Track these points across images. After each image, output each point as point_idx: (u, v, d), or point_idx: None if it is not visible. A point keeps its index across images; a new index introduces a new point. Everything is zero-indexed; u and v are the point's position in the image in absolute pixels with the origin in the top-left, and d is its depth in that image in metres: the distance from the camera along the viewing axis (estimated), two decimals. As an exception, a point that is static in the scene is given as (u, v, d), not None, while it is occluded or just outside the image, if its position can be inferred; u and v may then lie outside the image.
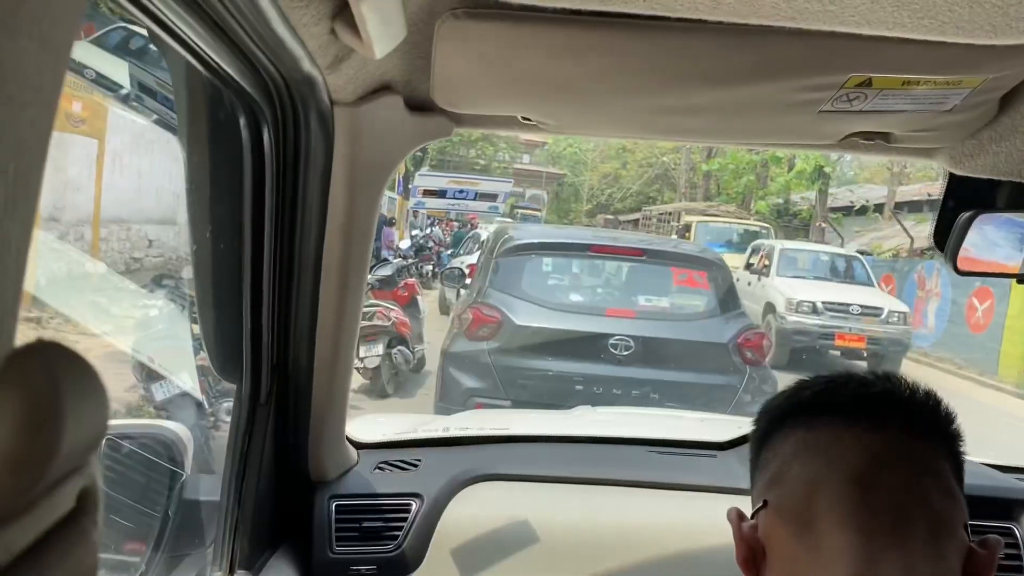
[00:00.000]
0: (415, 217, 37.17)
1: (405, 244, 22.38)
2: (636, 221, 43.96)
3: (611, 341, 7.11)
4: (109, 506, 1.81)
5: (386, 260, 12.53)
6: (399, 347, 9.83)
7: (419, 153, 40.08)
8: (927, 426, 1.03)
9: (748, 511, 1.11)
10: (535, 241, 7.76)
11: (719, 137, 1.71)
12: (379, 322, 9.72)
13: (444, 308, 16.29)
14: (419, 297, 11.54)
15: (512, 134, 1.87)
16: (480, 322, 7.19)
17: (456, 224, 50.39)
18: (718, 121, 1.59)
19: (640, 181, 52.13)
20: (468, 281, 9.09)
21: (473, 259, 13.60)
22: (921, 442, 1.02)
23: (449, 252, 22.81)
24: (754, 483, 1.12)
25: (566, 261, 8.01)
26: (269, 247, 1.58)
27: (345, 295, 1.72)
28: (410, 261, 15.10)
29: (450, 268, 11.20)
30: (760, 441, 1.12)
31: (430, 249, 24.63)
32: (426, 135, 1.63)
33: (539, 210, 50.86)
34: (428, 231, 31.90)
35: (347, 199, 1.63)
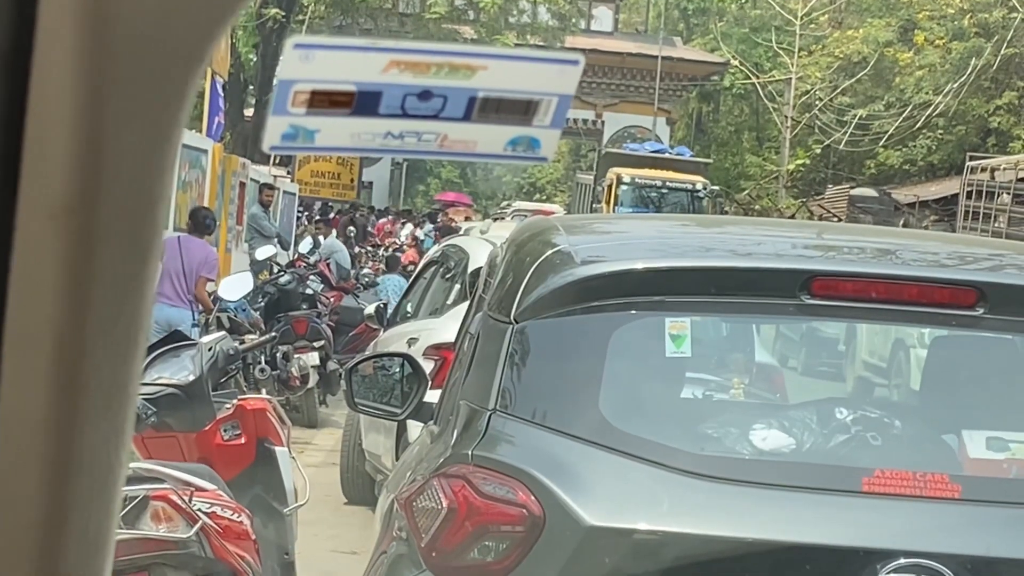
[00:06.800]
0: (265, 206, 16.36)
1: (234, 288, 9.62)
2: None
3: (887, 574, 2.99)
4: None
5: (174, 337, 5.34)
6: None
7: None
8: None
9: None
10: (640, 268, 3.34)
11: None
12: (158, 531, 3.91)
13: (355, 481, 8.85)
14: (278, 449, 5.04)
15: None
16: (478, 519, 3.08)
17: (391, 223, 26.88)
18: None
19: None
20: (428, 398, 4.08)
21: (440, 328, 7.48)
22: None
23: (369, 309, 10.85)
24: None
25: (739, 327, 3.83)
26: None
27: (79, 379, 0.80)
28: (250, 340, 7.23)
29: (373, 360, 4.25)
30: None
31: (312, 299, 12.37)
32: None
33: (660, 164, 25.87)
34: (309, 248, 15.97)
35: (81, 131, 0.74)
